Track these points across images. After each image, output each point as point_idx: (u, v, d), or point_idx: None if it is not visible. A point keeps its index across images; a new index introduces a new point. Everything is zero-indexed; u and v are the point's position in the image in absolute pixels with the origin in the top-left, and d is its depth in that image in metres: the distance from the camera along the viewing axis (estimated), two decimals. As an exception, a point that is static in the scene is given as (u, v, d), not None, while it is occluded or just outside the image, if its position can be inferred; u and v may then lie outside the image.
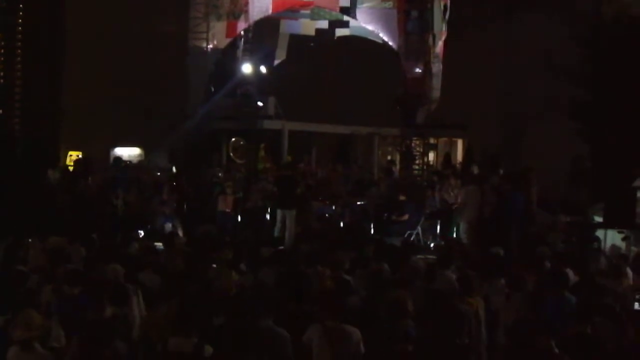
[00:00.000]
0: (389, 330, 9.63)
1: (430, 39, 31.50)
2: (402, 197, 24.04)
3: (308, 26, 34.67)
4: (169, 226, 21.99)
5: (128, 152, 31.16)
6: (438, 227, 22.73)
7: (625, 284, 13.95)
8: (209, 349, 8.68)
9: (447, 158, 32.24)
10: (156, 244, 16.58)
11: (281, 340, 9.26)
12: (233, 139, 30.86)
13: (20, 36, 25.08)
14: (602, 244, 19.30)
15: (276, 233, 21.06)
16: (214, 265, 13.53)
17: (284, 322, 9.61)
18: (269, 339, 9.16)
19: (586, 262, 15.16)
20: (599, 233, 19.82)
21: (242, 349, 7.64)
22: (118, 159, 26.71)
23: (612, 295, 12.27)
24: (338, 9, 32.45)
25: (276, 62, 35.17)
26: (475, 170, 24.48)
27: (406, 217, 23.20)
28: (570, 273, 13.11)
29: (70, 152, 29.65)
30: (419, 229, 22.39)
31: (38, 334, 8.64)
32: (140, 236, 20.18)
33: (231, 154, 30.84)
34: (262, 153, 30.43)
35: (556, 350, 8.76)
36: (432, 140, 33.48)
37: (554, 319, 10.40)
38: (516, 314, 11.10)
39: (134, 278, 12.21)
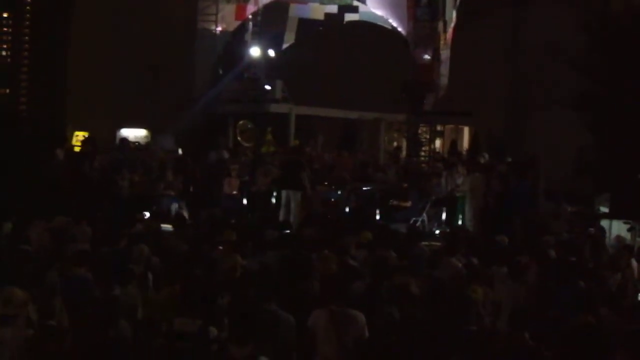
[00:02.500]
0: (393, 316, 9.66)
1: (441, 26, 31.48)
2: (404, 185, 24.05)
3: (317, 10, 34.64)
4: (175, 207, 22.00)
5: (134, 133, 31.16)
6: (444, 214, 22.72)
7: (630, 274, 13.99)
8: (213, 331, 8.69)
9: (454, 145, 32.23)
10: (162, 225, 16.62)
11: (286, 325, 9.28)
12: (241, 122, 30.82)
13: (28, 16, 25.09)
14: (608, 234, 19.28)
15: (281, 217, 21.05)
16: (220, 248, 13.53)
17: (288, 306, 9.62)
18: (273, 323, 9.18)
19: (582, 252, 15.16)
20: (605, 224, 19.79)
21: (246, 332, 7.64)
22: (124, 139, 26.72)
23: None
24: (349, -6, 32.53)
25: (284, 46, 35.14)
26: (484, 158, 24.46)
27: (409, 203, 23.17)
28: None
29: (76, 132, 29.63)
30: (425, 215, 22.37)
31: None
32: (146, 217, 20.16)
33: (238, 137, 30.80)
34: (269, 137, 30.36)
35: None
36: (438, 127, 33.45)
37: (567, 307, 10.45)
38: (518, 302, 11.12)
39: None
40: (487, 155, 24.85)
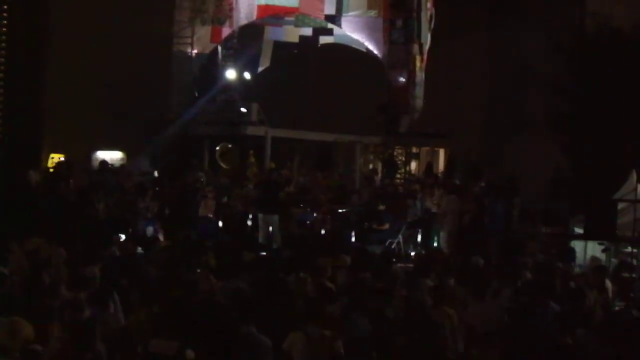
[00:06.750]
0: (369, 337, 9.67)
1: (416, 48, 31.61)
2: (381, 207, 24.10)
3: (291, 33, 34.67)
4: (150, 230, 21.91)
5: (110, 156, 30.99)
6: (419, 236, 22.78)
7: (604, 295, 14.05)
8: (190, 354, 8.64)
9: (429, 167, 32.30)
10: (138, 248, 16.57)
11: (262, 347, 9.26)
12: (221, 144, 30.76)
13: (3, 37, 24.97)
14: (583, 255, 19.38)
15: (260, 239, 21.11)
16: (198, 270, 13.51)
17: (264, 328, 9.61)
18: (250, 346, 9.16)
19: (556, 273, 15.22)
20: (580, 244, 19.88)
21: (223, 355, 7.65)
22: (104, 162, 26.66)
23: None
24: (323, 17, 32.52)
25: (260, 69, 35.14)
26: (457, 180, 24.58)
27: (387, 226, 23.21)
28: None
29: (52, 155, 29.46)
30: (400, 237, 22.41)
31: (21, 345, 8.50)
32: (121, 240, 20.05)
33: (218, 159, 30.68)
34: (252, 159, 30.28)
35: None
36: (414, 149, 33.54)
37: (542, 328, 10.49)
38: (492, 324, 11.15)
39: (114, 282, 12.18)
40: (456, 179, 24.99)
